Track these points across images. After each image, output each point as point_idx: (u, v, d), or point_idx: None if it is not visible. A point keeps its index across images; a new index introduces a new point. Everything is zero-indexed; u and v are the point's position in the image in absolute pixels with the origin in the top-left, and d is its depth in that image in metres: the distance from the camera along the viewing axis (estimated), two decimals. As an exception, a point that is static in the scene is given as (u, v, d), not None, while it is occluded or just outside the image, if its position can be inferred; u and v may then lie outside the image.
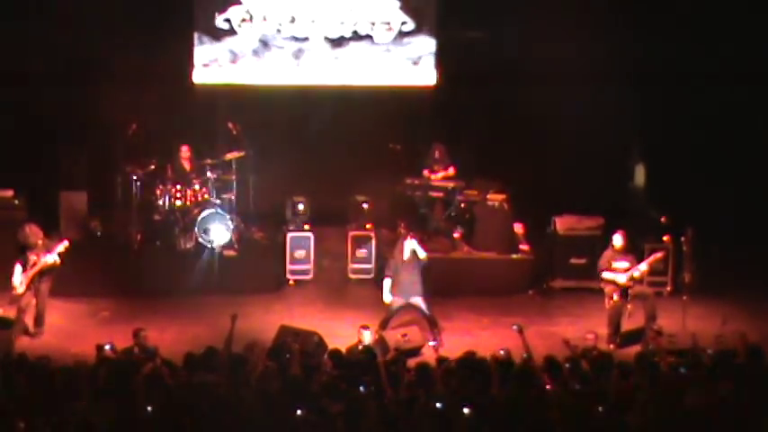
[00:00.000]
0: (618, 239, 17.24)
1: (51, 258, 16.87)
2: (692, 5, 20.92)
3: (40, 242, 16.91)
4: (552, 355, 13.22)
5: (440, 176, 19.96)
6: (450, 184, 19.99)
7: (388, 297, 16.91)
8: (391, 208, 20.16)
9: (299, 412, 11.53)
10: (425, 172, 20.03)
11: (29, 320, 16.96)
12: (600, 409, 11.80)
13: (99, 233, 19.55)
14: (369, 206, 19.93)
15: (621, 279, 16.94)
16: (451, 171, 20.02)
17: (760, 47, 20.82)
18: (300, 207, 19.79)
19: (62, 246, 16.95)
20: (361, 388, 12.32)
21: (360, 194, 20.09)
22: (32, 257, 16.80)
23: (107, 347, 14.09)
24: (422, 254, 16.79)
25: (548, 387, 12.36)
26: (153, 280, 18.77)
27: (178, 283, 18.61)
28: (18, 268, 16.79)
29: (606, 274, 17.04)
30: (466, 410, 11.51)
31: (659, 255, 17.66)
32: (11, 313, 16.82)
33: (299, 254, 19.58)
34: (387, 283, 16.95)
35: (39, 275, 16.85)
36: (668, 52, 21.06)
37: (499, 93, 21.18)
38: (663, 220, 19.22)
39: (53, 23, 20.16)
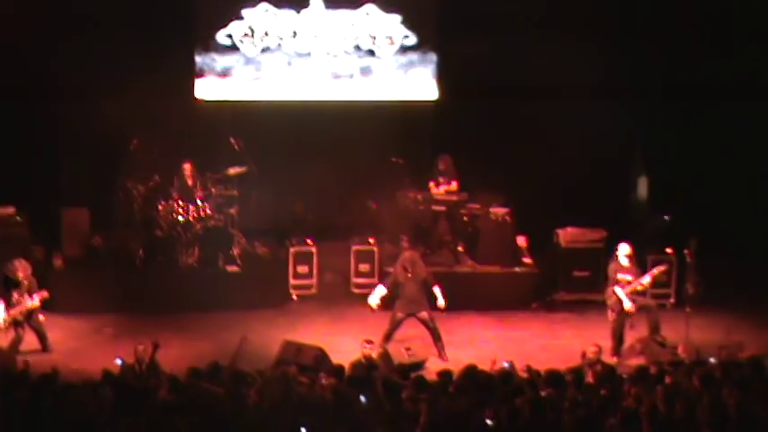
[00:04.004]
0: (624, 249, 17.25)
1: (32, 303, 16.84)
2: (691, 24, 21.05)
3: (26, 282, 16.89)
4: (555, 369, 13.26)
5: (442, 191, 19.95)
6: (454, 198, 20.02)
7: (374, 300, 17.07)
8: (394, 222, 20.19)
9: (303, 430, 11.57)
10: (431, 184, 20.03)
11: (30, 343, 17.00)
12: (607, 421, 11.83)
13: (101, 250, 19.56)
14: (374, 215, 20.04)
15: (628, 304, 16.92)
16: (454, 186, 19.98)
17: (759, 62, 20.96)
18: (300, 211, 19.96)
19: (43, 294, 16.95)
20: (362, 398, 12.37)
21: (363, 207, 20.16)
22: (15, 296, 16.78)
23: (118, 361, 14.01)
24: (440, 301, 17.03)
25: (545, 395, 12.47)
26: (156, 296, 18.79)
27: (181, 299, 18.63)
28: (0, 305, 16.83)
29: (618, 291, 17.02)
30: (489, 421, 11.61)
31: (662, 268, 17.64)
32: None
33: (302, 269, 19.63)
34: (379, 289, 17.08)
35: (23, 314, 16.84)
36: (670, 66, 21.15)
37: (501, 106, 21.23)
38: (668, 218, 19.29)
39: (54, 39, 20.25)
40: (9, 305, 16.75)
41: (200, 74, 21.42)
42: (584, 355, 15.19)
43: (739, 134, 21.01)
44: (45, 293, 16.99)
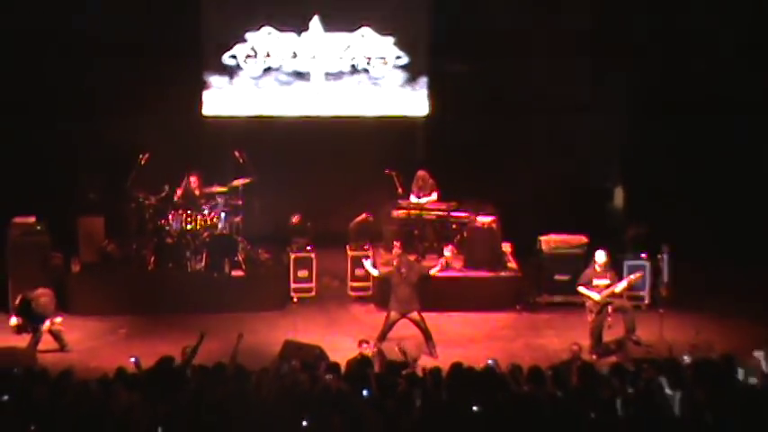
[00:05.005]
0: (600, 256, 17.34)
1: (47, 326, 16.97)
2: (664, 44, 21.15)
3: (50, 315, 17.03)
4: (537, 365, 13.31)
5: (423, 201, 20.04)
6: (442, 207, 20.08)
7: (368, 264, 17.71)
8: (387, 229, 20.22)
9: (304, 423, 11.58)
10: (412, 196, 20.14)
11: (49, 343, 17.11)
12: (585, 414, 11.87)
13: (115, 256, 19.60)
14: (371, 220, 20.08)
15: (596, 296, 17.04)
16: (434, 196, 20.09)
17: (730, 77, 21.03)
18: (298, 222, 19.95)
19: (59, 319, 17.13)
20: (365, 392, 12.41)
21: (359, 216, 20.21)
22: (38, 325, 16.92)
23: (132, 360, 14.07)
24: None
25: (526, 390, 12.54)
26: (166, 299, 18.82)
27: (190, 301, 18.68)
28: (14, 320, 16.98)
29: (582, 290, 17.20)
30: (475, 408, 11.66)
31: (638, 275, 17.74)
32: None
33: (303, 273, 19.65)
34: (373, 269, 17.58)
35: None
36: (646, 84, 21.22)
37: (487, 121, 21.29)
38: (645, 229, 19.36)
39: (72, 60, 20.33)
40: (24, 328, 16.87)
41: (207, 92, 21.50)
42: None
43: (709, 147, 21.08)
44: (61, 318, 17.17)
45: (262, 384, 12.84)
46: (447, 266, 17.19)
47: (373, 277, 19.17)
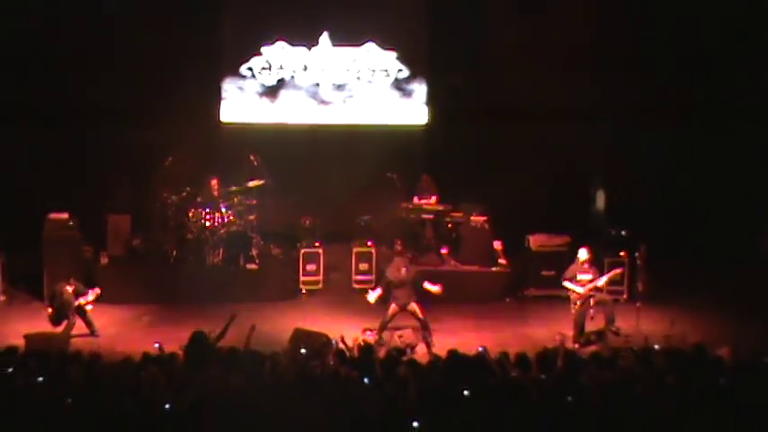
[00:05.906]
0: (583, 253, 17.50)
1: (85, 300, 17.20)
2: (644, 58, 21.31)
3: (76, 302, 17.17)
4: (524, 352, 13.49)
5: (423, 202, 20.24)
6: (440, 208, 20.26)
7: (371, 297, 17.00)
8: (389, 228, 20.38)
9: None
10: (415, 198, 20.34)
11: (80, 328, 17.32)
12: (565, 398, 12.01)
13: (140, 250, 19.81)
14: (372, 223, 20.19)
15: (580, 290, 17.23)
16: (434, 199, 20.28)
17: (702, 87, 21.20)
18: (309, 224, 20.08)
19: (96, 291, 17.35)
20: (366, 380, 12.61)
21: (363, 216, 20.37)
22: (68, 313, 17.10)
23: (155, 345, 14.24)
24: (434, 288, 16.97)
25: (513, 375, 12.72)
26: (186, 289, 18.86)
27: (208, 292, 18.86)
28: (50, 310, 17.16)
29: (566, 284, 17.38)
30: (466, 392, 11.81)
31: (618, 271, 17.90)
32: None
33: (311, 267, 19.80)
34: (377, 291, 17.05)
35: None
36: (627, 95, 21.36)
37: (481, 129, 21.41)
38: (625, 233, 19.51)
39: (103, 73, 20.54)
40: (62, 318, 17.08)
41: (225, 101, 21.67)
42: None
43: (686, 154, 21.24)
44: (97, 291, 17.35)
45: (276, 368, 12.99)
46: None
47: (376, 272, 19.37)
